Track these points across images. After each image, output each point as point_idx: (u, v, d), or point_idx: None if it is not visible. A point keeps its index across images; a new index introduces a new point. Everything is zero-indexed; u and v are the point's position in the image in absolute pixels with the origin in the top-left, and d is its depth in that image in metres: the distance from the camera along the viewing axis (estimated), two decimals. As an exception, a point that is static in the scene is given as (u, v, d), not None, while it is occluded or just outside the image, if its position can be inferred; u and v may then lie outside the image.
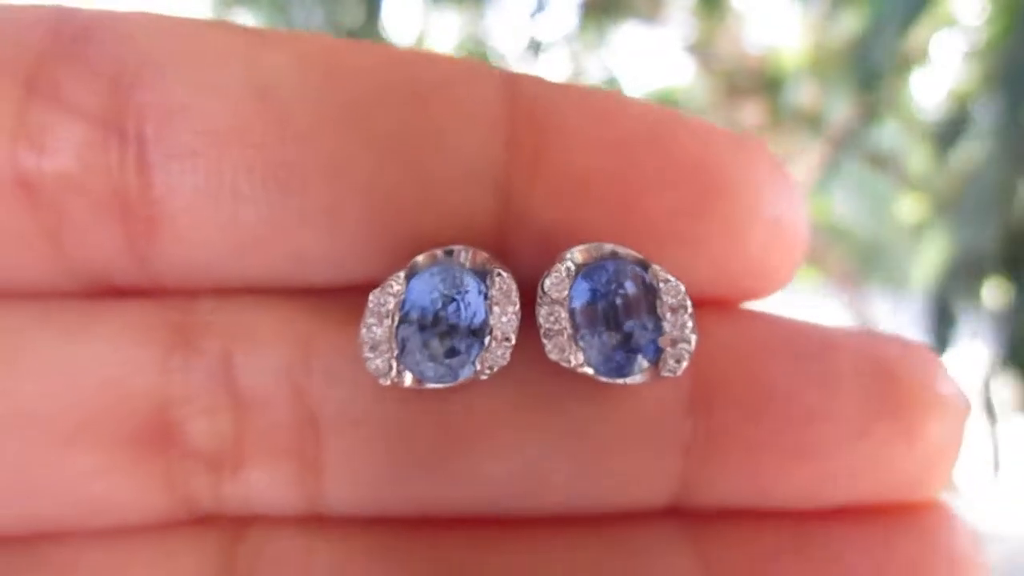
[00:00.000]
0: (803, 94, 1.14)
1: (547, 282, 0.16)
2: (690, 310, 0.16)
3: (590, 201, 0.16)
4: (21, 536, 0.16)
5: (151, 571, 0.16)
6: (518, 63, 1.11)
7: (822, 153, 1.13)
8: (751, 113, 1.16)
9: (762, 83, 1.13)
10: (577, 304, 0.16)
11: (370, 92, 0.15)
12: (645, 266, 0.16)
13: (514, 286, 0.15)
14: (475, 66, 0.16)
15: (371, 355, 0.15)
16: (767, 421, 0.17)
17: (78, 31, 0.15)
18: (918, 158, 1.11)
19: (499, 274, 0.15)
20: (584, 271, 0.16)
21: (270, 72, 0.15)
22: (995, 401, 0.70)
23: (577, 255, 0.16)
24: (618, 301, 0.16)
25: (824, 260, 1.15)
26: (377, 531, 0.17)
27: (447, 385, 0.16)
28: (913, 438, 0.17)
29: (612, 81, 1.17)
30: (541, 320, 0.16)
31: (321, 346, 0.16)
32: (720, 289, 0.17)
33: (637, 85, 1.23)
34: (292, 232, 0.15)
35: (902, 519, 0.18)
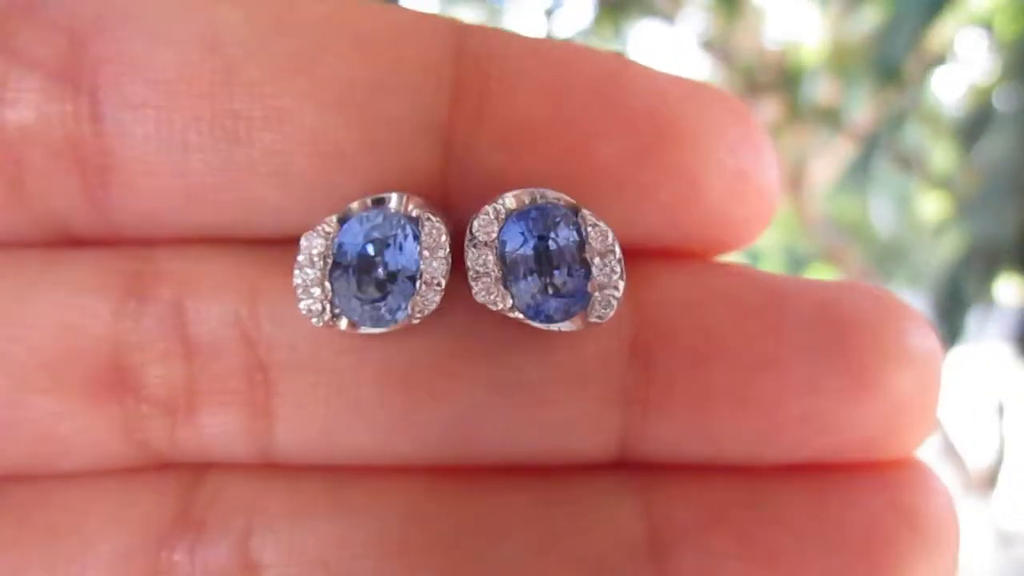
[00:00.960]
0: (822, 90, 1.13)
1: (475, 224, 0.16)
2: (618, 255, 0.15)
3: (535, 149, 0.16)
4: None
5: (113, 512, 0.17)
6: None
7: (842, 150, 1.11)
8: (769, 109, 1.15)
9: (780, 79, 1.12)
10: (509, 248, 0.16)
11: (317, 43, 0.16)
12: (576, 210, 0.16)
13: (445, 230, 0.16)
14: (424, 17, 0.17)
15: (304, 297, 0.16)
16: (711, 371, 0.16)
17: None
18: (941, 156, 1.09)
19: (428, 219, 0.16)
20: (515, 215, 0.16)
21: (221, 25, 0.16)
22: (1009, 395, 0.68)
23: (509, 200, 0.16)
24: (550, 246, 0.16)
25: (843, 258, 1.14)
26: (329, 478, 0.17)
27: (382, 330, 0.16)
28: (870, 391, 0.16)
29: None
30: (469, 263, 0.16)
31: (268, 294, 0.17)
32: (675, 240, 0.17)
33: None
34: (240, 181, 0.16)
35: (868, 477, 0.17)
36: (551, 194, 0.16)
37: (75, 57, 0.15)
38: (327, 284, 0.16)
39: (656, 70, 0.16)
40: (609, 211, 0.16)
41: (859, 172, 1.03)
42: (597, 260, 0.16)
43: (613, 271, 0.16)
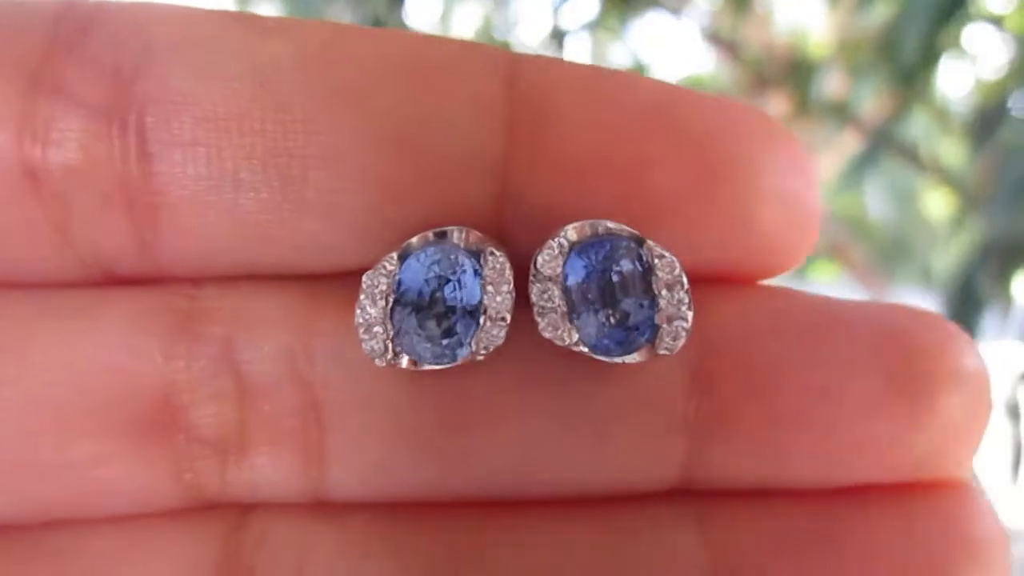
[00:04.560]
0: (831, 84, 1.12)
1: (539, 259, 0.15)
2: (686, 286, 0.15)
3: (591, 183, 0.16)
4: (28, 523, 0.16)
5: (155, 557, 0.16)
6: (539, 53, 1.10)
7: (850, 144, 1.11)
8: (777, 103, 1.15)
9: (789, 73, 1.12)
10: (572, 282, 0.16)
11: (368, 77, 0.15)
12: (640, 242, 0.15)
13: (508, 264, 0.15)
14: (475, 49, 0.16)
15: (366, 336, 0.15)
16: (774, 398, 0.16)
17: (80, 22, 0.15)
18: (948, 151, 1.09)
19: (492, 253, 0.15)
20: (578, 248, 0.15)
21: (269, 59, 0.15)
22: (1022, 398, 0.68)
23: (571, 232, 0.15)
24: (613, 278, 0.15)
25: (848, 254, 1.14)
26: (379, 516, 0.17)
27: (444, 366, 0.16)
28: (929, 414, 0.16)
29: (636, 70, 1.16)
30: (534, 298, 0.15)
31: (322, 331, 0.16)
32: (728, 267, 0.17)
33: (661, 75, 1.22)
34: (292, 219, 0.16)
35: (921, 499, 0.17)
36: (613, 225, 0.16)
37: (121, 95, 0.15)
38: (388, 323, 0.15)
39: (704, 96, 0.16)
40: (664, 241, 0.16)
41: (863, 167, 1.03)
42: (665, 291, 0.15)
43: (681, 302, 0.15)
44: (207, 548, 0.17)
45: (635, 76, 0.17)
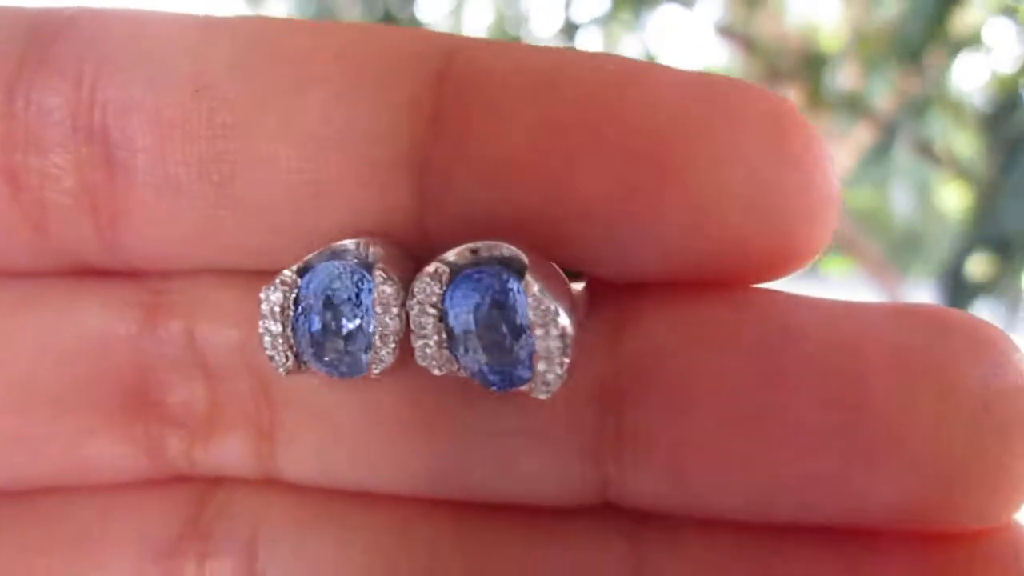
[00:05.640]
0: (844, 76, 1.11)
1: (415, 286, 0.16)
2: (560, 326, 0.14)
3: (518, 184, 0.15)
4: (19, 491, 0.18)
5: (131, 523, 0.18)
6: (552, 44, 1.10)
7: (862, 137, 1.10)
8: (790, 95, 1.14)
9: (802, 65, 1.10)
10: (449, 314, 0.15)
11: (297, 78, 0.16)
12: (521, 272, 0.15)
13: (399, 286, 0.16)
14: (411, 41, 0.16)
15: (270, 349, 0.16)
16: (685, 422, 0.15)
17: (50, 33, 0.16)
18: (963, 144, 1.07)
19: (382, 275, 0.16)
20: (459, 277, 0.15)
21: (208, 63, 0.16)
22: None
23: (451, 255, 0.15)
24: (492, 313, 0.15)
25: (861, 249, 1.13)
26: (330, 497, 0.18)
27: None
28: (896, 456, 0.14)
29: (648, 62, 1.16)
30: (412, 324, 0.16)
31: None
32: (681, 272, 0.15)
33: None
34: (227, 224, 0.16)
35: (905, 548, 0.15)
36: (504, 249, 0.15)
37: (86, 102, 0.16)
38: (289, 335, 0.16)
39: (663, 71, 0.15)
40: (600, 247, 0.15)
41: (877, 160, 1.02)
42: (539, 331, 0.14)
43: (554, 344, 0.14)
44: (174, 515, 0.18)
45: (593, 57, 0.15)
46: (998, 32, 0.96)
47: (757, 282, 0.16)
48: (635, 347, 0.16)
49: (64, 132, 0.16)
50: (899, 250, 1.26)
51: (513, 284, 0.15)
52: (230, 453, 0.18)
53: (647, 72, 0.15)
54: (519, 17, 1.17)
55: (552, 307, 0.14)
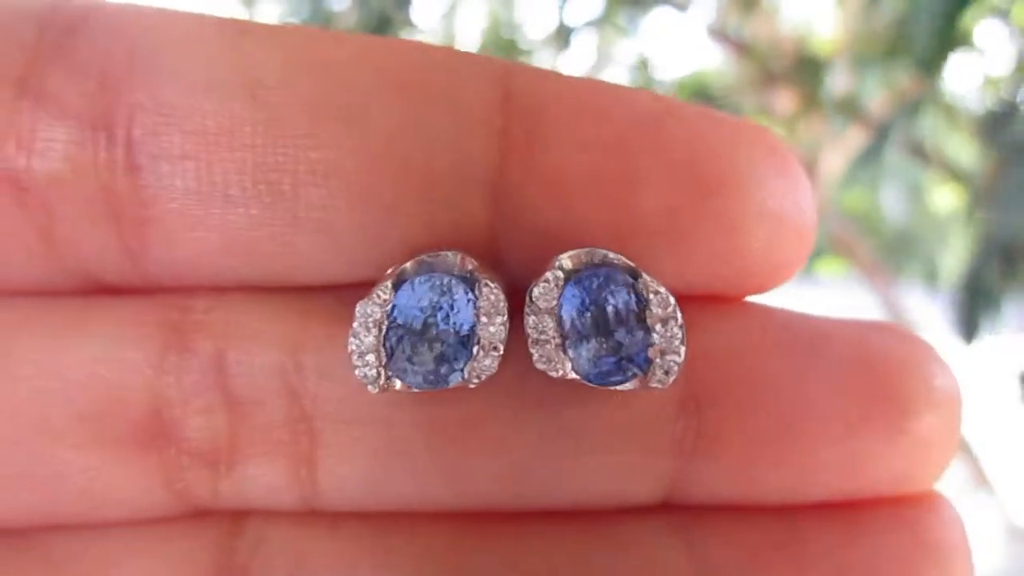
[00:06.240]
0: (838, 80, 1.11)
1: (535, 291, 0.16)
2: (680, 322, 0.15)
3: (584, 200, 0.16)
4: (22, 528, 0.17)
5: (152, 563, 0.17)
6: (545, 49, 1.10)
7: (857, 140, 1.10)
8: (785, 99, 1.14)
9: (797, 68, 1.11)
10: (566, 312, 0.16)
11: (361, 90, 0.15)
12: (636, 275, 0.15)
13: (502, 297, 0.15)
14: (470, 59, 0.16)
15: (359, 363, 0.16)
16: (757, 418, 0.17)
17: (67, 26, 0.15)
18: (956, 147, 1.08)
19: (486, 284, 0.15)
20: (575, 278, 0.16)
21: (259, 70, 0.15)
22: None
23: (567, 261, 0.16)
24: (608, 309, 0.16)
25: (854, 250, 1.13)
26: (370, 525, 0.17)
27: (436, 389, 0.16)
28: (904, 431, 0.17)
29: (642, 66, 1.16)
30: (529, 329, 0.16)
31: (312, 345, 0.16)
32: (719, 285, 0.17)
33: (667, 71, 1.21)
34: (282, 236, 0.16)
35: (894, 512, 0.18)
36: (611, 256, 0.16)
37: (108, 104, 0.15)
38: (382, 350, 0.16)
39: (696, 110, 0.16)
40: (655, 260, 0.16)
41: (870, 162, 1.03)
42: (659, 327, 0.15)
43: (675, 337, 0.16)
44: (203, 553, 0.17)
45: (627, 89, 0.17)
46: (991, 34, 0.97)
47: (766, 290, 0.18)
48: (703, 352, 0.17)
49: (80, 134, 0.15)
50: (891, 251, 1.27)
51: (631, 283, 0.16)
52: (263, 485, 0.17)
53: (682, 104, 0.17)
54: (512, 22, 1.16)
55: (673, 301, 0.15)
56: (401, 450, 0.17)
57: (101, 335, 0.16)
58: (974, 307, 0.70)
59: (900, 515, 0.18)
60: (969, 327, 0.71)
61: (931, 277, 1.24)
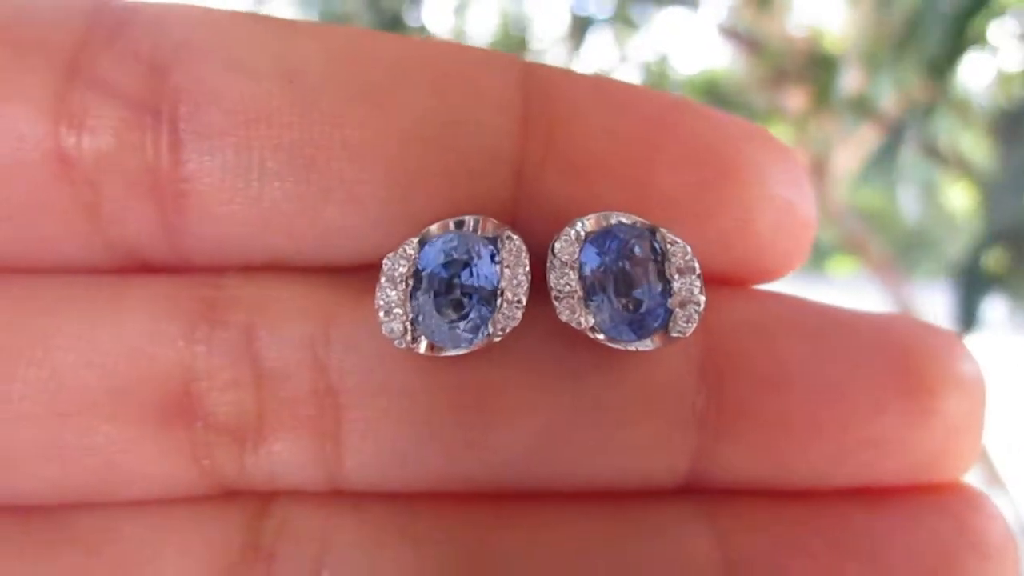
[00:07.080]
0: (850, 78, 1.11)
1: (557, 245, 0.16)
2: (698, 271, 0.16)
3: (601, 179, 0.16)
4: (55, 504, 0.17)
5: (181, 544, 0.17)
6: (557, 47, 1.11)
7: (870, 139, 1.10)
8: (797, 97, 1.14)
9: (809, 67, 1.11)
10: (587, 269, 0.16)
11: (392, 78, 0.16)
12: (653, 231, 0.16)
13: (524, 248, 0.16)
14: (492, 54, 0.17)
15: (386, 318, 0.16)
16: (781, 396, 0.17)
17: (118, 18, 0.16)
18: (969, 145, 1.08)
19: (509, 237, 0.16)
20: (592, 237, 0.16)
21: (298, 58, 0.16)
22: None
23: (588, 222, 0.16)
24: (627, 265, 0.16)
25: (866, 249, 1.13)
26: (396, 505, 0.18)
27: (462, 351, 0.16)
28: (930, 415, 0.17)
29: (653, 64, 1.16)
30: (552, 283, 0.16)
31: (341, 319, 0.17)
32: (730, 268, 0.17)
33: (679, 69, 1.21)
34: (316, 207, 0.16)
35: (928, 500, 0.17)
36: (626, 217, 0.16)
37: (155, 86, 0.16)
38: (408, 305, 0.16)
39: (706, 108, 0.17)
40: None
41: (884, 160, 1.02)
42: (677, 276, 0.16)
43: (694, 286, 0.16)
44: (230, 535, 0.17)
45: (639, 86, 0.17)
46: (1004, 31, 0.97)
47: (771, 280, 0.18)
48: (724, 326, 0.17)
49: (128, 113, 0.15)
50: (905, 250, 1.27)
51: (649, 238, 0.16)
52: (289, 460, 0.17)
53: (692, 102, 0.17)
54: (524, 19, 1.16)
55: (690, 252, 0.16)
56: (426, 419, 0.17)
57: (136, 309, 0.16)
58: (972, 295, 0.69)
59: (938, 503, 0.17)
60: (967, 315, 0.71)
61: (944, 276, 1.23)
